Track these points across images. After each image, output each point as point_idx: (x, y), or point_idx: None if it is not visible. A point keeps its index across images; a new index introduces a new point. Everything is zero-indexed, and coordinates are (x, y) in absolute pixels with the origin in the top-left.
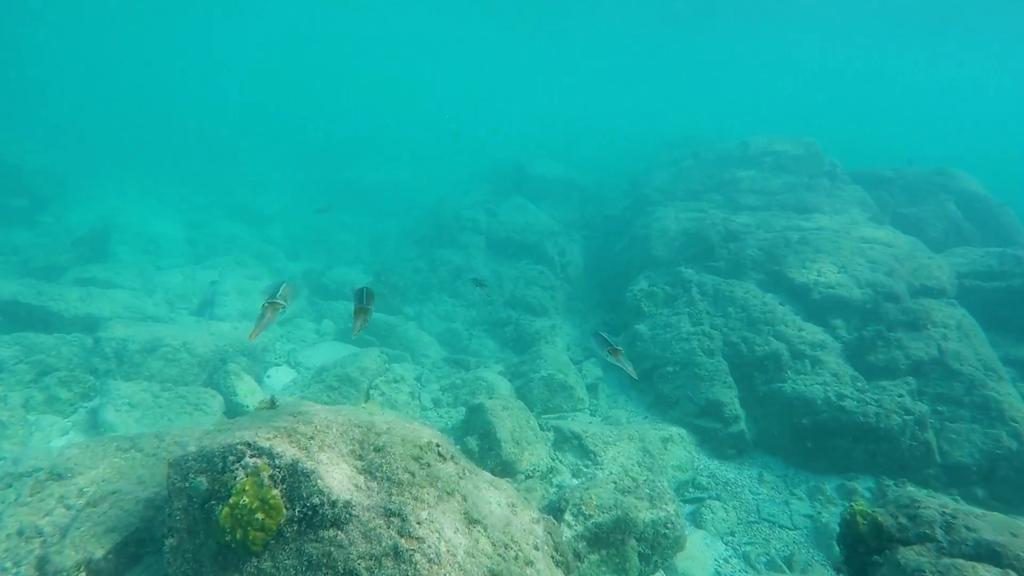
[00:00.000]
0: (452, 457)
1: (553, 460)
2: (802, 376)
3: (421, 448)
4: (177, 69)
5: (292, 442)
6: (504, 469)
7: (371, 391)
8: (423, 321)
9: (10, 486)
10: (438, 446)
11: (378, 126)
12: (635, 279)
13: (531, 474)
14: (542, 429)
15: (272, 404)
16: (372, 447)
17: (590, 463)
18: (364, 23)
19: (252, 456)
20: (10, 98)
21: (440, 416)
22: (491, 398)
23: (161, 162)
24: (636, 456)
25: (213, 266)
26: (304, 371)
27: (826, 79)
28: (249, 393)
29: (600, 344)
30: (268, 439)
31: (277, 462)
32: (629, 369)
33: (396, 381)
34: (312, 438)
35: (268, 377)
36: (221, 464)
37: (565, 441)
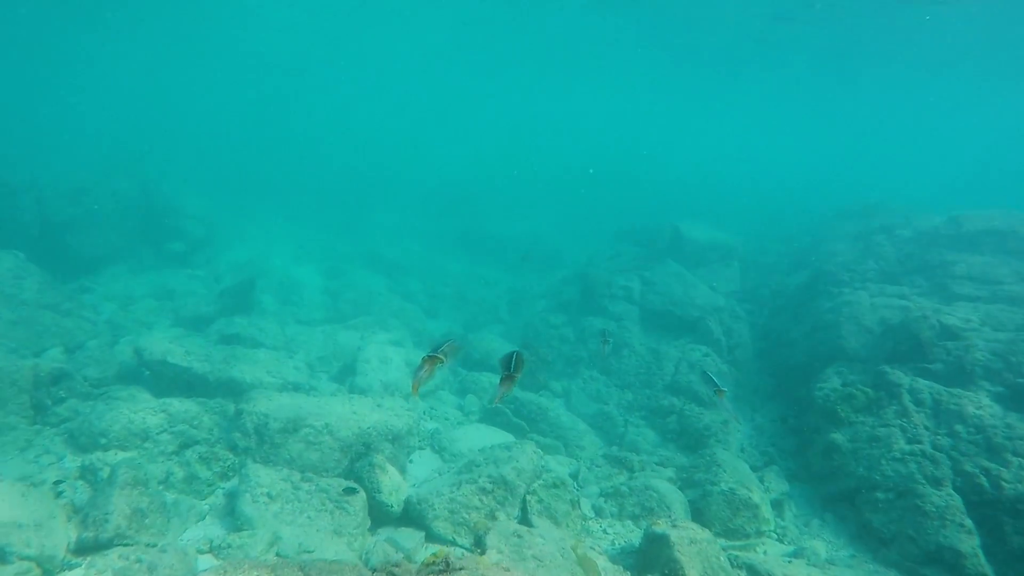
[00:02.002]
0: None
1: None
2: None
3: None
4: (313, 118)
5: None
6: None
7: (528, 496)
8: (571, 399)
9: None
10: None
11: (518, 177)
12: (822, 374)
13: None
14: (733, 567)
15: (447, 567)
16: None
17: None
18: (513, 74)
19: None
20: (171, 143)
21: (605, 531)
22: (674, 526)
23: (302, 207)
24: None
25: (354, 327)
26: (449, 458)
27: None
28: (394, 490)
29: (707, 384)
30: None
31: None
32: (732, 415)
33: (555, 486)
34: None
35: (411, 463)
36: None
37: None
